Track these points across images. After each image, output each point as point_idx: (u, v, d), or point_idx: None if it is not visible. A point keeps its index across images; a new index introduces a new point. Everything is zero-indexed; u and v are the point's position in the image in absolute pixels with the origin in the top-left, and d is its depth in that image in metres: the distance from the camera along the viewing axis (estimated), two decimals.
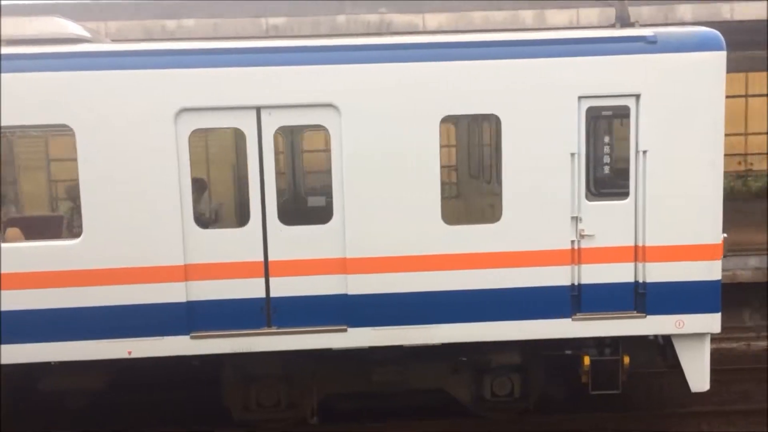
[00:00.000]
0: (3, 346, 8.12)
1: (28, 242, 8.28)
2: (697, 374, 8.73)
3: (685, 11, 16.87)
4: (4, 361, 8.16)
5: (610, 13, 17.31)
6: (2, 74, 7.82)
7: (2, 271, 8.03)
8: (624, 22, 9.19)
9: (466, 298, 8.32)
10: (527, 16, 16.71)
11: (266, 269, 8.26)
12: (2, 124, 7.93)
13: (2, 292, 8.04)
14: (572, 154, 8.21)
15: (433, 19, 16.32)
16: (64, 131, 8.02)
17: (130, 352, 8.27)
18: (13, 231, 8.35)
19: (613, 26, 9.20)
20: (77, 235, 8.15)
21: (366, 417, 9.76)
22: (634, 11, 17.07)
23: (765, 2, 16.38)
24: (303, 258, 8.26)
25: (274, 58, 8.05)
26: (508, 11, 16.63)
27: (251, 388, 9.11)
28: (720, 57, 8.18)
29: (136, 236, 8.09)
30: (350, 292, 8.26)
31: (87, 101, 7.90)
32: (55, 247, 8.18)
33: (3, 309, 8.07)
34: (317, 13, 16.14)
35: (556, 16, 16.73)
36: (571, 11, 16.80)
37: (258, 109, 8.08)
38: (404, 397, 9.60)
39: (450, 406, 9.73)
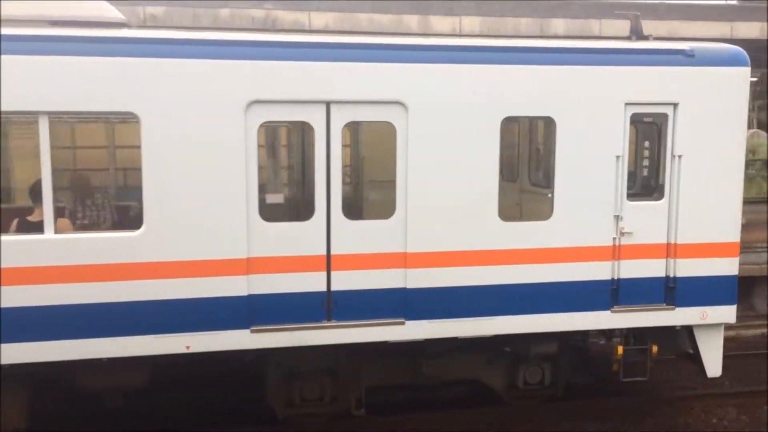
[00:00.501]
0: (54, 342, 7.73)
1: (82, 233, 7.92)
2: (713, 361, 9.54)
3: (558, 25, 17.93)
4: (56, 359, 7.76)
5: (491, 23, 17.99)
6: (65, 57, 7.47)
7: (53, 264, 7.66)
8: (638, 34, 9.85)
9: (518, 291, 8.70)
10: (412, 20, 17.14)
11: (328, 263, 8.30)
12: (64, 110, 7.58)
13: (54, 285, 7.66)
14: (617, 157, 8.78)
15: (319, 18, 16.45)
16: (129, 119, 7.76)
17: (188, 347, 8.08)
18: (63, 222, 7.94)
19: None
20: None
21: (388, 410, 9.94)
22: (514, 21, 17.89)
23: (628, 21, 17.80)
24: (364, 252, 8.37)
25: (347, 54, 8.10)
26: (393, 15, 16.98)
27: (296, 383, 9.08)
28: (746, 72, 9.00)
29: (199, 228, 7.91)
30: (409, 286, 8.46)
31: (155, 89, 7.67)
32: (112, 238, 7.88)
33: (55, 303, 7.69)
34: (199, 4, 15.80)
35: (440, 22, 17.24)
36: (454, 18, 17.32)
37: (328, 104, 8.12)
38: (433, 388, 9.88)
39: (475, 395, 10.12)
